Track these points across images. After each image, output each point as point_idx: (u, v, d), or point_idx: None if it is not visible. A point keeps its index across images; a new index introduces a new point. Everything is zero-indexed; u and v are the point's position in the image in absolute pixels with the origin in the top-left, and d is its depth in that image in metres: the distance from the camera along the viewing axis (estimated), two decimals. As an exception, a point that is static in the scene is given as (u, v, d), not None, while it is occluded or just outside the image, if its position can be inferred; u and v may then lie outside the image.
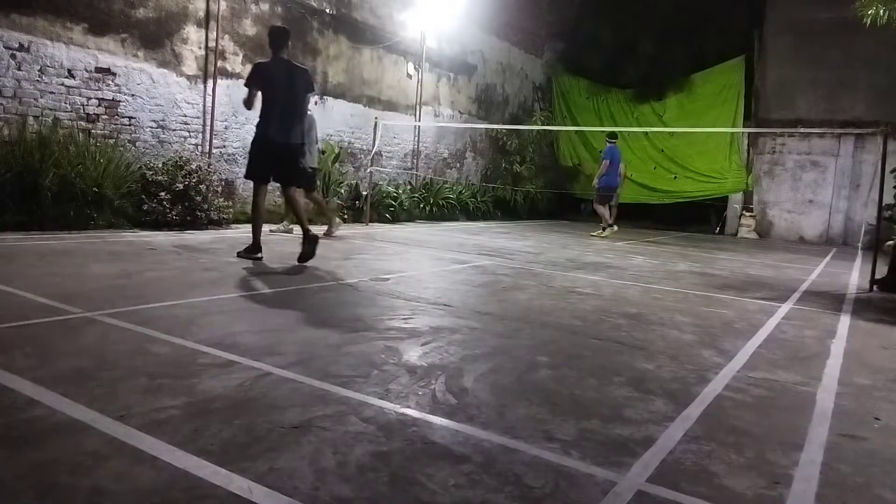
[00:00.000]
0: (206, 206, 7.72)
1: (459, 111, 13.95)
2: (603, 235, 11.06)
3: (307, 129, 6.53)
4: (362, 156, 11.31)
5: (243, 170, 9.28)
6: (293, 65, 5.56)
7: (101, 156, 6.93)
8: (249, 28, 9.10)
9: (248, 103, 5.46)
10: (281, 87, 5.36)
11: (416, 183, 12.72)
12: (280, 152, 5.46)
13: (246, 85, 5.44)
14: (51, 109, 6.97)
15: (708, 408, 2.51)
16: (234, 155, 9.13)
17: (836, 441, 2.25)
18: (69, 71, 7.10)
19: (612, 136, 11.65)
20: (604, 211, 11.33)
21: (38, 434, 1.85)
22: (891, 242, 7.18)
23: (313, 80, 5.66)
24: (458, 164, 14.28)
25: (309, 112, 6.45)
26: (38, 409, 2.03)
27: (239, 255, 5.51)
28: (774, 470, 1.98)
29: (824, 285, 6.67)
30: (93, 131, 7.32)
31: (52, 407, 2.04)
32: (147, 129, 7.90)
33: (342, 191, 10.78)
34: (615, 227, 11.29)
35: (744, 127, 14.26)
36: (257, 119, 5.48)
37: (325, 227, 7.89)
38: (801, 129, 13.78)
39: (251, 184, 9.31)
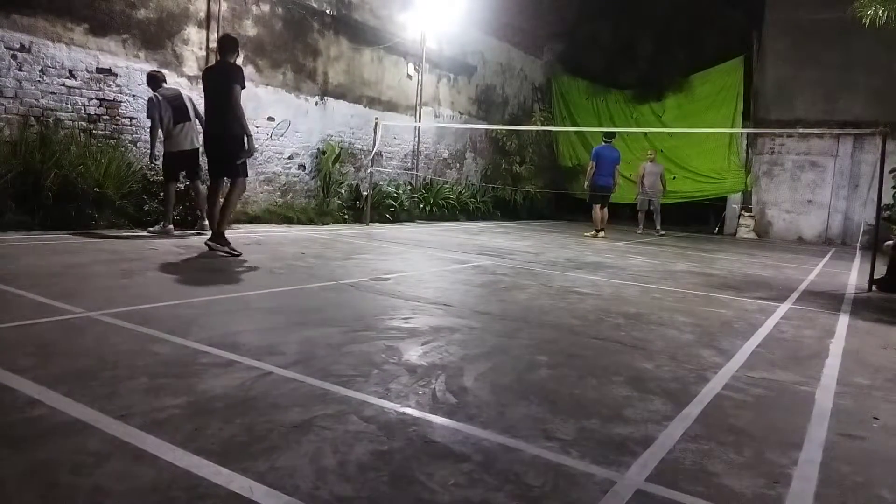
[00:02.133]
0: (206, 206, 7.72)
1: (459, 112, 13.96)
2: (600, 236, 11.00)
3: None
4: (363, 156, 11.32)
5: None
6: (225, 64, 5.94)
7: (102, 156, 6.95)
8: (250, 29, 9.11)
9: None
10: (211, 86, 5.94)
11: (416, 183, 12.73)
12: (218, 143, 5.88)
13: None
14: (52, 110, 6.99)
15: (707, 407, 2.51)
16: (234, 155, 9.12)
17: (835, 440, 2.25)
18: (70, 71, 7.11)
19: (606, 136, 11.61)
20: (596, 214, 11.19)
21: (40, 434, 1.86)
22: (889, 242, 7.19)
23: (242, 75, 5.89)
24: (458, 165, 14.30)
25: None
26: (39, 408, 2.04)
27: (209, 246, 5.74)
28: (773, 469, 1.98)
29: (823, 285, 6.67)
30: (94, 132, 7.33)
31: (53, 406, 2.05)
32: (148, 130, 7.89)
33: (343, 191, 10.79)
34: (602, 233, 11.11)
35: (743, 127, 14.27)
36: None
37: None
38: (800, 130, 13.79)
39: (252, 184, 9.42)
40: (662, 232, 12.65)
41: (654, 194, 12.74)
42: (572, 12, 16.20)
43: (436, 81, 13.14)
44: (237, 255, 5.63)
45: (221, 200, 6.01)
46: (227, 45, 5.98)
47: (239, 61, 8.90)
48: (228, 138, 5.86)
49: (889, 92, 12.89)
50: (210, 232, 6.01)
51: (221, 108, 5.81)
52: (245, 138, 5.87)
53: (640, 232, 12.65)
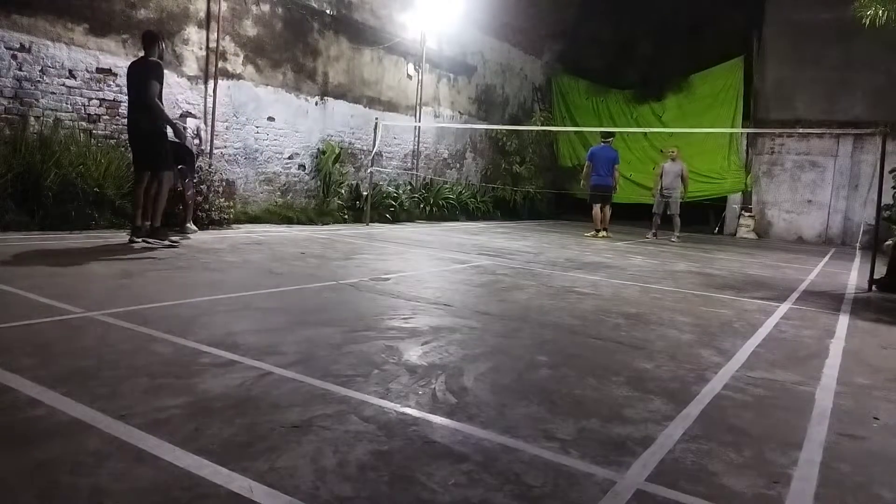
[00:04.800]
0: (206, 207, 7.73)
1: (459, 112, 13.96)
2: (600, 236, 11.06)
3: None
4: (363, 156, 11.32)
5: (244, 170, 9.37)
6: (144, 60, 6.00)
7: (102, 156, 6.94)
8: (250, 29, 9.11)
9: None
10: (131, 82, 6.01)
11: (416, 183, 12.73)
12: (136, 138, 6.04)
13: None
14: (52, 110, 6.98)
15: (707, 407, 2.51)
16: (234, 155, 9.13)
17: (835, 440, 2.25)
18: (70, 71, 7.11)
19: (604, 136, 11.62)
20: (596, 213, 11.25)
21: (40, 433, 1.86)
22: (889, 242, 7.19)
23: (158, 71, 5.91)
24: (457, 165, 14.29)
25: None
26: (39, 408, 2.04)
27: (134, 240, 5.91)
28: (773, 469, 1.98)
29: (823, 285, 6.67)
30: (94, 131, 7.33)
31: (53, 406, 2.05)
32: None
33: (343, 191, 10.79)
34: (602, 233, 11.13)
35: (743, 127, 14.27)
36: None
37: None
38: (800, 130, 13.79)
39: (252, 184, 9.43)
40: (674, 238, 11.50)
41: (671, 196, 11.74)
42: (572, 12, 16.20)
43: (436, 81, 13.14)
44: (175, 246, 5.89)
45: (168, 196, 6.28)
46: (146, 40, 6.07)
47: (245, 61, 8.93)
48: (145, 133, 5.98)
49: (889, 92, 12.89)
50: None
51: (139, 103, 5.91)
52: (168, 129, 6.06)
53: (649, 237, 11.79)
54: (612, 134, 11.82)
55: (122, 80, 7.58)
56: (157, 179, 6.06)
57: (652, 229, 12.07)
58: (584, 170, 11.38)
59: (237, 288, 4.29)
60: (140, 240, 5.92)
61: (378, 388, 2.46)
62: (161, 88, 5.93)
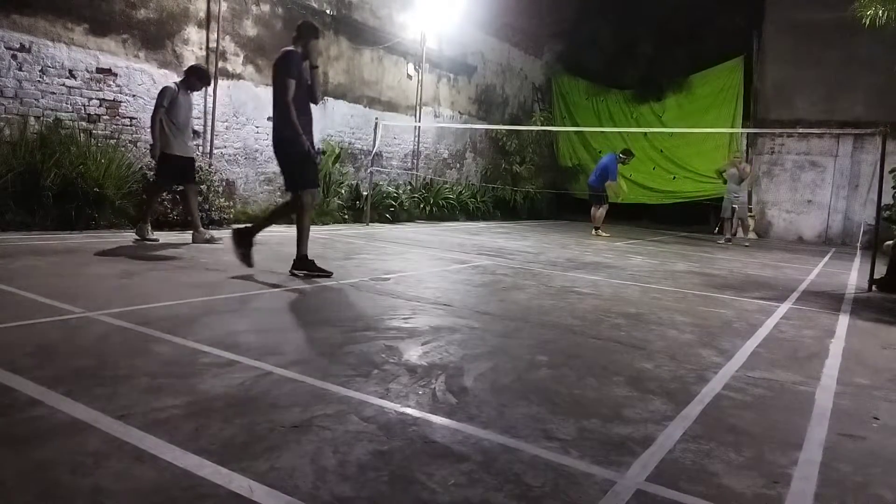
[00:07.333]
0: (207, 207, 7.73)
1: (459, 112, 13.96)
2: (601, 235, 11.27)
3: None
4: (363, 156, 11.32)
5: (244, 170, 9.36)
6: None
7: (102, 156, 6.94)
8: (250, 29, 9.11)
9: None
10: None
11: (416, 183, 12.73)
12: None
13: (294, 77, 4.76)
14: (52, 110, 6.98)
15: (707, 407, 2.51)
16: (234, 155, 9.13)
17: (835, 440, 2.25)
18: (70, 71, 7.11)
19: (623, 152, 11.96)
20: (594, 212, 11.68)
21: (39, 434, 1.86)
22: (889, 242, 7.19)
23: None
24: (458, 165, 14.29)
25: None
26: (39, 408, 2.04)
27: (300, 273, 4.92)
28: (773, 469, 1.98)
29: (823, 285, 6.67)
30: (94, 132, 7.33)
31: (53, 406, 2.05)
32: (148, 130, 7.88)
33: (343, 191, 10.79)
34: (599, 232, 11.46)
35: (743, 127, 14.27)
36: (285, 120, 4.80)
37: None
38: (800, 130, 13.79)
39: (252, 184, 9.43)
40: (721, 241, 11.70)
41: (736, 200, 11.73)
42: (572, 12, 16.20)
43: (436, 81, 13.14)
44: (327, 276, 4.86)
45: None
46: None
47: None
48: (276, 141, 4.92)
49: (889, 92, 12.87)
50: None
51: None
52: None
53: (721, 242, 11.69)
54: (625, 150, 12.02)
55: (122, 81, 7.61)
56: (295, 201, 4.98)
57: (724, 233, 12.12)
58: None
59: (237, 288, 4.29)
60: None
61: (378, 388, 2.46)
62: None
